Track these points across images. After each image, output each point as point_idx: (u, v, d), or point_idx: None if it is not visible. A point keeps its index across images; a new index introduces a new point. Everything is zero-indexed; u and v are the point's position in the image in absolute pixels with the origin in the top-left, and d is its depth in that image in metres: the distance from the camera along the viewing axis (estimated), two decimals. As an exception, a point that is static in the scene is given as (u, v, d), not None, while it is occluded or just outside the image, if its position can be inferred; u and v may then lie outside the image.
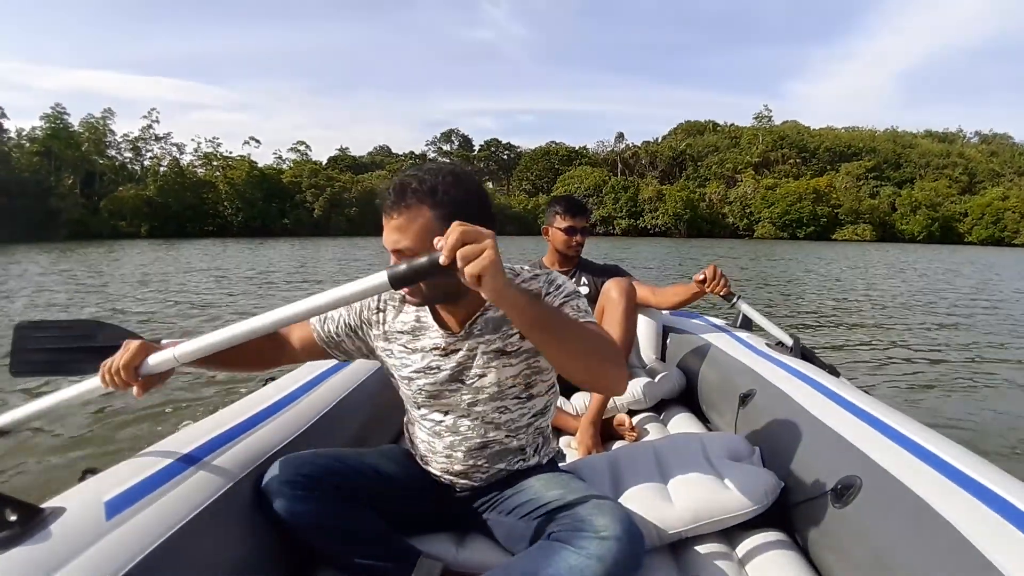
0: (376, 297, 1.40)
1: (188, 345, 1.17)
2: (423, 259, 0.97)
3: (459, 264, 0.91)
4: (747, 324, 2.96)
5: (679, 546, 1.48)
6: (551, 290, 1.31)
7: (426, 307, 1.35)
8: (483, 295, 0.94)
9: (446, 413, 1.39)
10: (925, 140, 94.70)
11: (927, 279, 16.45)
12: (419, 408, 1.43)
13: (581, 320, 1.23)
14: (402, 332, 1.39)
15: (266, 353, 1.47)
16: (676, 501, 1.47)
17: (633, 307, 2.38)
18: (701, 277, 2.43)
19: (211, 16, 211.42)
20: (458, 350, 1.33)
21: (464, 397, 1.36)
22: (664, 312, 3.04)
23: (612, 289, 2.38)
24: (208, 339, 1.14)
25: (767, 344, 2.48)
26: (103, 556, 0.93)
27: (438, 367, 1.35)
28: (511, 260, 2.79)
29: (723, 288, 2.42)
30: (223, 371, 1.48)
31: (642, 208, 72.18)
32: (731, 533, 1.50)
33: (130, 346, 1.20)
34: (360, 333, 1.44)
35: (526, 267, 1.40)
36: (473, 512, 1.45)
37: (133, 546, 0.98)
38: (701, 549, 1.44)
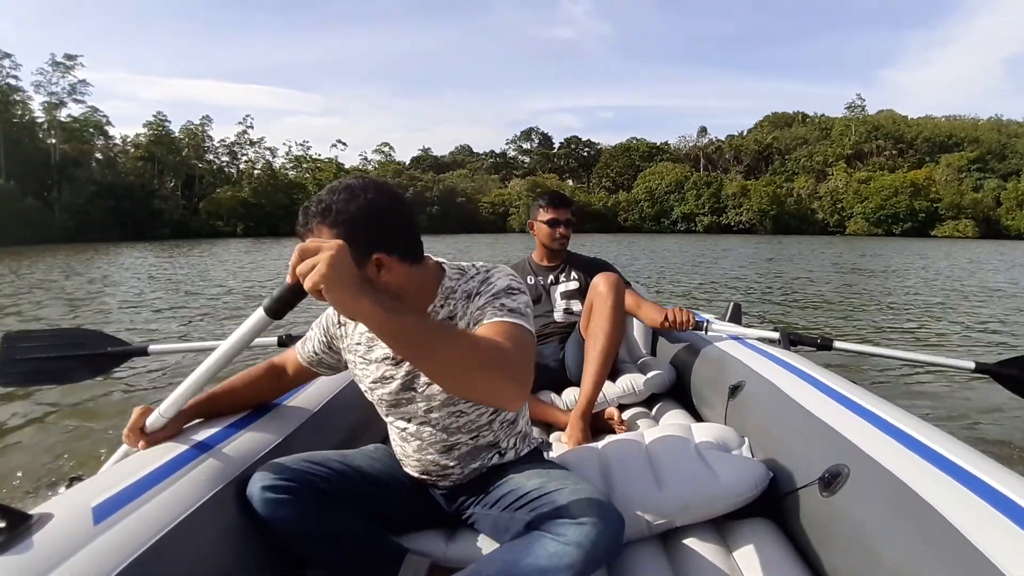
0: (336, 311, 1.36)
1: (167, 401, 1.31)
2: (283, 286, 0.99)
3: (301, 281, 0.92)
4: (736, 317, 2.97)
5: (668, 536, 1.49)
6: (481, 288, 1.26)
7: None
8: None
9: (408, 420, 1.40)
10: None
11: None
12: (387, 416, 1.45)
13: (491, 319, 1.17)
14: (359, 344, 1.40)
15: (263, 392, 1.59)
16: (665, 491, 1.48)
17: (622, 301, 2.36)
18: (665, 322, 2.49)
19: (303, 25, 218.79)
20: None
21: (420, 405, 1.36)
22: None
23: (600, 283, 2.35)
24: (179, 391, 1.28)
25: (756, 338, 2.47)
26: (92, 560, 0.95)
27: (391, 376, 1.35)
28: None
29: (688, 322, 2.48)
30: (229, 412, 1.55)
31: (725, 204, 70.61)
32: (720, 523, 1.51)
33: (135, 412, 1.35)
34: (332, 347, 1.47)
35: (477, 266, 1.34)
36: (459, 508, 1.47)
37: (122, 550, 0.99)
38: (691, 539, 1.44)
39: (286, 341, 2.49)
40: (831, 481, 1.32)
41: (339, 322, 1.44)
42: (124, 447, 1.40)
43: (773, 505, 1.51)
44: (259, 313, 1.05)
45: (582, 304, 2.57)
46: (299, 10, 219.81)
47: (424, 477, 1.47)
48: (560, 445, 2.12)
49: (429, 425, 1.38)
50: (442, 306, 1.29)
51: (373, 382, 1.39)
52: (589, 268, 2.72)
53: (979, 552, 0.94)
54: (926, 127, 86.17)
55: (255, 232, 54.52)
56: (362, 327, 1.38)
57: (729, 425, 1.93)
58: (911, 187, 67.16)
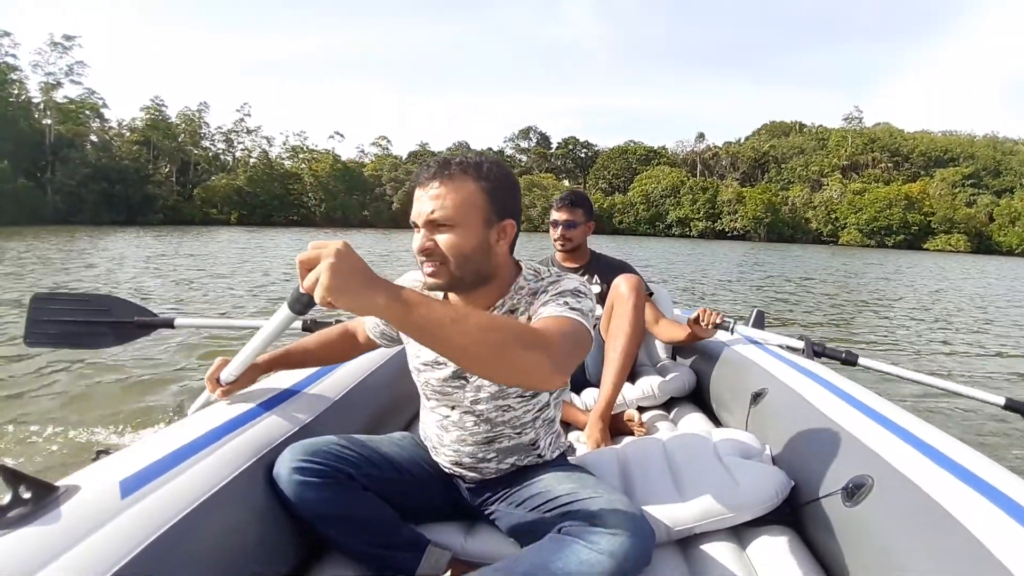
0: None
1: (231, 365, 1.42)
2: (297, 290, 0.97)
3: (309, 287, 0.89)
4: (759, 324, 2.95)
5: (688, 542, 1.48)
6: (548, 287, 1.26)
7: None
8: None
9: (452, 408, 1.38)
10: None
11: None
12: (428, 400, 1.44)
13: (548, 315, 1.15)
14: None
15: (336, 353, 1.64)
16: (685, 497, 1.47)
17: (642, 303, 2.34)
18: (694, 316, 2.38)
19: (303, 16, 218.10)
20: None
21: (467, 394, 1.35)
22: (676, 311, 3.03)
23: (621, 284, 2.34)
24: (239, 357, 1.38)
25: (779, 346, 2.46)
26: (118, 534, 0.95)
27: (444, 362, 1.34)
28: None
29: (717, 318, 2.35)
30: (299, 368, 1.63)
31: (721, 210, 70.78)
32: (740, 530, 1.49)
33: (216, 361, 1.46)
34: None
35: (554, 272, 1.34)
36: (482, 503, 1.46)
37: (148, 525, 0.99)
38: (710, 545, 1.43)
39: (311, 326, 2.48)
40: (855, 491, 1.30)
41: None
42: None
43: (794, 514, 1.50)
44: (284, 311, 1.07)
45: (602, 308, 2.54)
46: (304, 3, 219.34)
47: (455, 469, 1.45)
48: (580, 446, 2.11)
49: (473, 415, 1.37)
50: (509, 299, 1.30)
51: (424, 363, 1.38)
52: (612, 271, 2.68)
53: (1004, 567, 0.93)
54: (922, 141, 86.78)
55: (249, 220, 54.33)
56: None
57: (750, 431, 1.91)
58: (905, 200, 67.66)
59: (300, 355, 1.56)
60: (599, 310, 2.61)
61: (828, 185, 74.36)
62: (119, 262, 13.50)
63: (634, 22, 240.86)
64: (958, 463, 1.24)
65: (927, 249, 63.13)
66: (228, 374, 1.41)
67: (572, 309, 1.16)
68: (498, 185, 1.21)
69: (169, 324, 2.61)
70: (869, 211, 67.73)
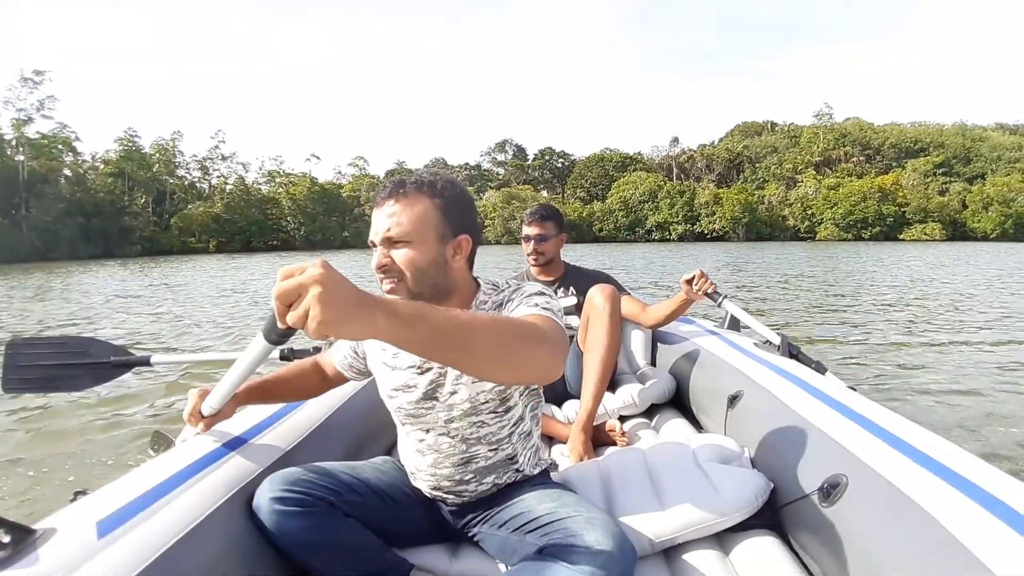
0: None
1: (210, 398, 1.39)
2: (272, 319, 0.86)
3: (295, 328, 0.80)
4: (735, 326, 2.97)
5: (671, 552, 1.48)
6: (513, 296, 1.29)
7: None
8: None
9: (427, 431, 1.39)
10: (996, 133, 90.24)
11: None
12: (403, 426, 1.44)
13: (524, 312, 1.17)
14: (384, 349, 1.41)
15: (313, 387, 1.62)
16: (667, 508, 1.47)
17: (618, 312, 2.36)
18: (689, 276, 2.39)
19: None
20: (431, 367, 1.34)
21: (440, 415, 1.35)
22: None
23: (596, 295, 2.36)
24: (217, 390, 1.34)
25: (755, 344, 2.48)
26: (96, 575, 0.95)
27: (414, 385, 1.35)
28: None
29: (710, 286, 2.37)
30: (274, 402, 1.62)
31: (699, 212, 71.31)
32: (722, 536, 1.50)
33: (193, 395, 1.43)
34: (358, 352, 1.50)
35: (512, 284, 1.36)
36: (465, 525, 1.46)
37: (126, 565, 0.98)
38: (693, 554, 1.44)
39: (288, 355, 2.47)
40: (830, 491, 1.32)
41: None
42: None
43: (775, 516, 1.51)
44: (260, 341, 0.97)
45: (579, 319, 2.56)
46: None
47: (435, 493, 1.46)
48: (563, 459, 2.11)
49: (448, 436, 1.38)
50: None
51: (395, 389, 1.39)
52: (587, 282, 2.69)
53: (976, 559, 0.94)
54: (892, 133, 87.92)
55: (228, 248, 54.00)
56: None
57: (729, 435, 1.93)
58: (879, 192, 68.48)
59: (279, 386, 1.55)
60: (576, 321, 2.64)
61: (803, 182, 75.13)
62: (97, 298, 13.36)
63: (604, 30, 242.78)
64: (931, 457, 1.25)
65: (903, 239, 63.74)
66: (209, 407, 1.39)
67: (544, 308, 1.18)
68: (452, 202, 1.25)
69: (146, 363, 2.61)
70: (844, 205, 68.38)
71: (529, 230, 2.72)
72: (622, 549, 1.14)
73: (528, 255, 2.75)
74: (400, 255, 1.22)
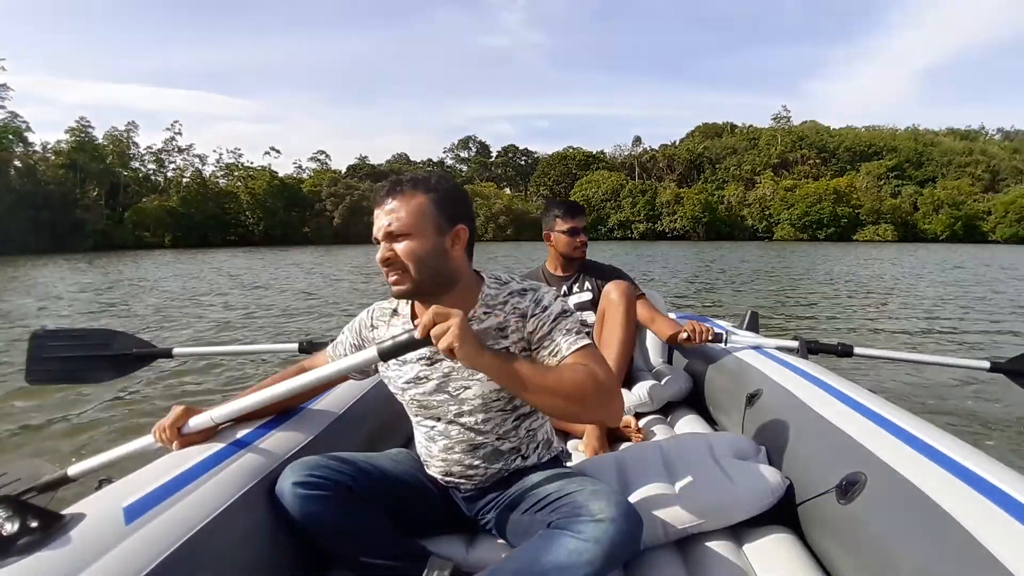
0: (370, 315, 1.51)
1: (223, 408, 1.40)
2: (404, 336, 1.18)
3: (432, 340, 1.13)
4: (753, 326, 2.99)
5: (685, 543, 1.49)
6: (536, 311, 1.34)
7: (411, 321, 1.42)
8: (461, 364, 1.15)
9: (438, 420, 1.44)
10: (947, 138, 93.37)
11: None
12: (415, 416, 1.50)
13: (571, 348, 1.30)
14: None
15: (301, 395, 1.62)
16: (682, 498, 1.48)
17: (633, 309, 2.37)
18: (685, 336, 2.43)
19: (232, 27, 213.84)
20: (443, 359, 1.38)
21: (451, 407, 1.41)
22: (671, 315, 3.04)
23: (612, 291, 2.37)
24: (239, 403, 1.39)
25: (774, 347, 2.49)
26: (124, 560, 0.96)
27: (426, 377, 1.41)
28: (528, 266, 2.89)
29: (707, 333, 2.42)
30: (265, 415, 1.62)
31: (660, 212, 72.19)
32: (737, 530, 1.51)
33: (176, 410, 1.41)
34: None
35: (516, 278, 1.43)
36: (480, 512, 1.50)
37: (153, 549, 1.01)
38: (707, 546, 1.45)
39: (307, 347, 2.56)
40: (848, 489, 1.32)
41: (372, 325, 1.51)
42: (148, 438, 1.43)
43: (790, 513, 1.52)
44: (372, 352, 1.23)
45: (594, 314, 2.56)
46: (231, 14, 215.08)
47: (447, 478, 1.50)
48: (578, 453, 2.12)
49: (458, 425, 1.43)
50: (486, 314, 1.35)
51: (407, 382, 1.44)
52: (602, 277, 2.70)
53: (997, 561, 0.93)
54: (847, 137, 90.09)
55: (184, 243, 52.25)
56: (395, 329, 1.44)
57: (746, 434, 1.95)
58: (834, 194, 70.21)
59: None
60: (591, 317, 2.64)
61: (761, 183, 76.59)
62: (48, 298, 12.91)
63: (566, 29, 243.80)
64: (950, 457, 1.25)
65: (857, 240, 65.46)
66: (208, 420, 1.41)
67: (579, 334, 1.33)
68: (446, 195, 1.32)
69: (167, 354, 2.66)
70: (800, 206, 69.98)
71: (577, 223, 2.68)
72: (626, 516, 1.17)
73: (576, 248, 2.70)
74: (402, 247, 1.28)
